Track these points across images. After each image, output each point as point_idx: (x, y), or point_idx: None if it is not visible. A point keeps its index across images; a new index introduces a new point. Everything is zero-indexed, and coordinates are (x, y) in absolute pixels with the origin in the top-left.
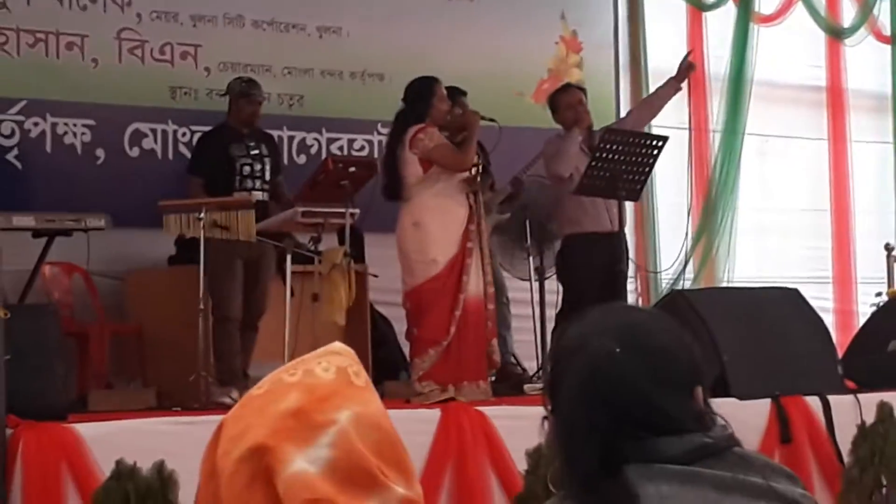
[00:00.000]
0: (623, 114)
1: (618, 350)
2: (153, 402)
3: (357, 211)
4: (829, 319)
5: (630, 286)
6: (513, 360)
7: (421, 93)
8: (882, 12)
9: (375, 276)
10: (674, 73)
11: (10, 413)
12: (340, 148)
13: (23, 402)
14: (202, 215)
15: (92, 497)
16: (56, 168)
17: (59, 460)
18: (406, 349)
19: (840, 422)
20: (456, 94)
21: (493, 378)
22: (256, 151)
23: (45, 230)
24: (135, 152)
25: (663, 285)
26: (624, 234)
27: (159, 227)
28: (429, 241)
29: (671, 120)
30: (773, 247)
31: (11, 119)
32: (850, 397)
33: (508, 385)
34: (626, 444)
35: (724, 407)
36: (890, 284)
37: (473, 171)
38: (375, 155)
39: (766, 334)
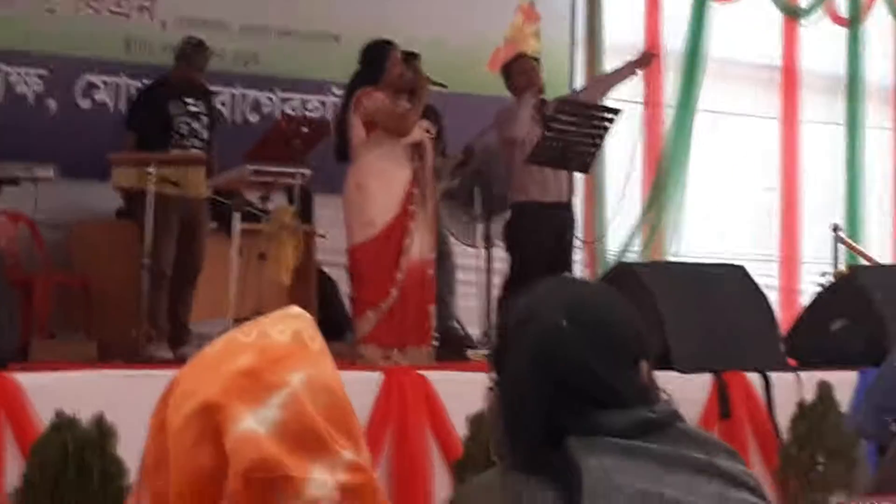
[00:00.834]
0: (577, 87)
1: (565, 323)
2: (95, 355)
3: (307, 171)
4: (773, 297)
5: (577, 257)
6: (456, 325)
7: (375, 56)
8: None
9: (323, 236)
10: (629, 49)
11: None
12: (294, 108)
13: None
14: (152, 170)
15: (30, 447)
16: (7, 117)
17: None
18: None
19: (780, 399)
20: (409, 57)
21: (437, 343)
22: (195, 109)
23: None
24: (86, 104)
25: (610, 258)
26: (573, 205)
27: (108, 180)
28: (368, 203)
29: (625, 93)
30: (720, 223)
31: None
32: (791, 375)
33: (451, 350)
34: (569, 416)
35: (666, 380)
36: (836, 265)
37: (419, 135)
38: (329, 116)
39: (711, 310)
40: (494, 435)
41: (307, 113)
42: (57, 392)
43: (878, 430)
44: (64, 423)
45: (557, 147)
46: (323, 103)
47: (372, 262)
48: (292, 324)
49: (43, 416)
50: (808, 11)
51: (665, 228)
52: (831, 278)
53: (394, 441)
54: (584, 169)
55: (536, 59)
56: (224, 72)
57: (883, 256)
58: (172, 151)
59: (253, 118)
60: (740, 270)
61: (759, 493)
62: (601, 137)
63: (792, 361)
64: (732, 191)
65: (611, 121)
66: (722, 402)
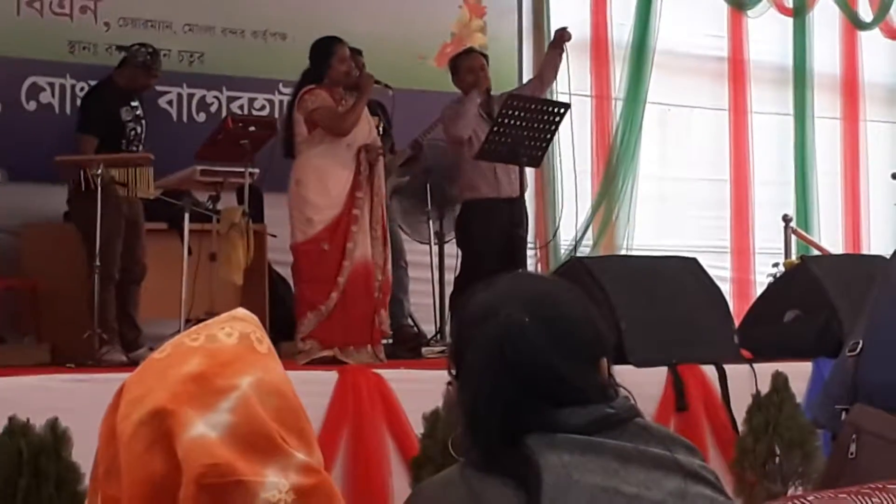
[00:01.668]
0: (525, 80)
1: (526, 320)
2: (47, 359)
3: (256, 170)
4: (726, 289)
5: (529, 252)
6: (410, 323)
7: (320, 53)
8: None
9: (274, 235)
10: (577, 41)
11: None
12: (241, 107)
13: None
14: (100, 171)
15: None
16: None
17: None
18: None
19: (735, 391)
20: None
21: (391, 341)
22: (140, 113)
23: None
24: (32, 106)
25: (563, 252)
26: (524, 200)
27: (55, 182)
28: (306, 201)
29: (573, 87)
30: (672, 216)
31: None
32: (745, 367)
33: (406, 348)
34: (529, 414)
35: (622, 374)
36: (787, 255)
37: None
38: (276, 115)
39: (664, 303)
40: (454, 431)
41: (254, 112)
42: (10, 397)
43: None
44: (18, 429)
45: (507, 143)
46: (270, 102)
47: (312, 262)
48: (239, 326)
49: None
50: (753, 2)
51: (617, 222)
52: (782, 268)
53: (350, 440)
54: (535, 164)
55: (485, 56)
56: (170, 71)
57: (834, 246)
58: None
59: (200, 118)
60: (693, 263)
61: (717, 487)
62: (551, 132)
63: (746, 353)
64: (683, 183)
65: (560, 115)
66: (678, 396)
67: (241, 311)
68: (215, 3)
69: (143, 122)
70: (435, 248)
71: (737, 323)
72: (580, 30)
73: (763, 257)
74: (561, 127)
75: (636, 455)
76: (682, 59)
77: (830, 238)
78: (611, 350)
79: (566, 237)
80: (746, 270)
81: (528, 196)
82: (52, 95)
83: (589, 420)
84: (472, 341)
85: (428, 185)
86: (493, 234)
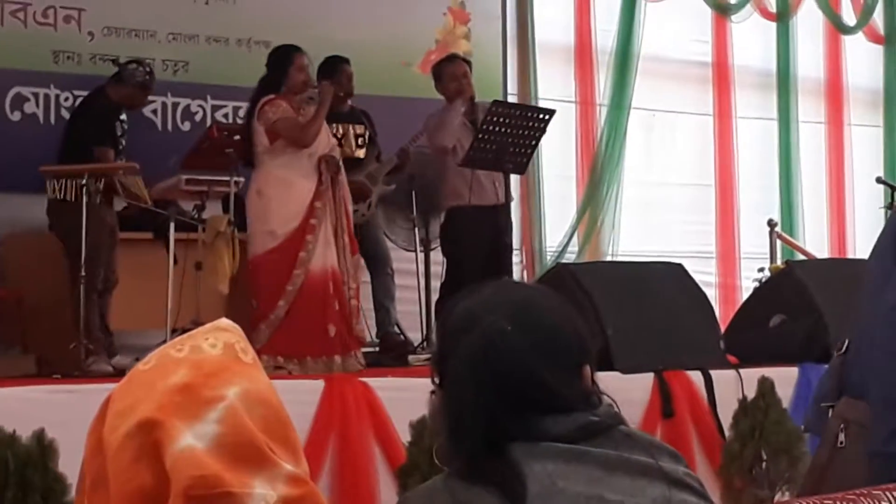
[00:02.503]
0: (510, 86)
1: (509, 328)
2: (33, 369)
3: (242, 179)
4: (712, 294)
5: (515, 259)
6: (396, 331)
7: (278, 61)
8: None
9: None
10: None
11: None
12: (225, 115)
13: None
14: (84, 181)
15: None
16: None
17: None
18: None
19: (722, 396)
20: (339, 62)
21: (377, 349)
22: (125, 127)
23: None
24: (16, 116)
25: (548, 258)
26: (509, 207)
27: (39, 192)
28: (268, 212)
29: (558, 93)
30: (657, 221)
31: None
32: (731, 372)
33: (392, 356)
34: (512, 422)
35: (608, 381)
36: (772, 260)
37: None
38: None
39: (650, 309)
40: (438, 440)
41: (239, 120)
42: None
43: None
44: (4, 440)
45: (492, 150)
46: None
47: (269, 273)
48: (223, 336)
49: None
50: (737, 7)
51: (602, 228)
52: (768, 273)
53: (336, 448)
54: (520, 170)
55: (468, 62)
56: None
57: (820, 250)
58: None
59: (185, 127)
60: (678, 268)
61: (701, 494)
62: (536, 139)
63: (732, 358)
64: (668, 188)
65: (545, 121)
66: (664, 402)
67: (224, 322)
68: (199, 11)
69: (125, 136)
70: (421, 256)
71: (723, 328)
72: (565, 36)
73: (748, 262)
74: (546, 134)
75: (620, 463)
76: (667, 65)
77: (816, 242)
78: (594, 357)
79: (551, 243)
80: (732, 275)
81: (513, 203)
82: (37, 105)
83: (572, 428)
84: (455, 350)
85: (413, 193)
86: (479, 240)
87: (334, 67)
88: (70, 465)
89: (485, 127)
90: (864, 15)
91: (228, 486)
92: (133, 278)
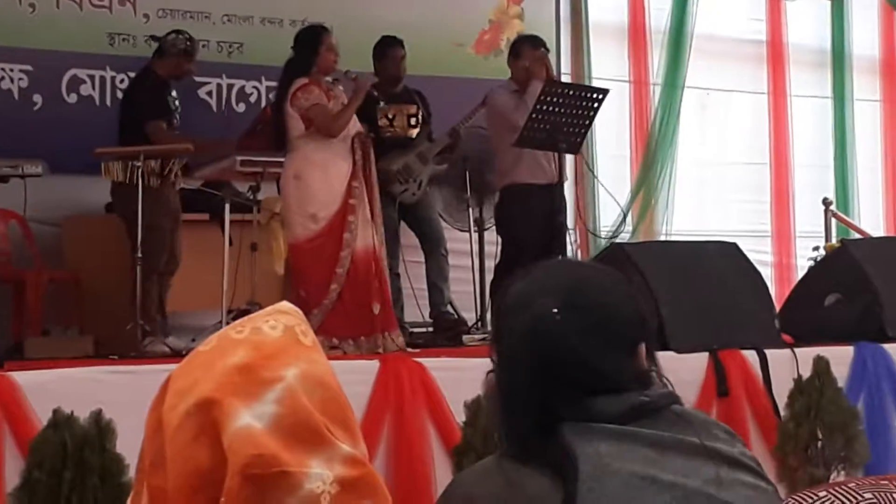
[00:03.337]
0: (564, 66)
1: (558, 310)
2: (90, 350)
3: None
4: (767, 273)
5: (569, 239)
6: (450, 310)
7: (308, 42)
8: None
9: None
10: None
11: None
12: None
13: None
14: (140, 163)
15: (29, 445)
16: None
17: None
18: None
19: (777, 376)
20: (389, 46)
21: (431, 329)
22: (178, 103)
23: None
24: (72, 98)
25: (602, 238)
26: (562, 187)
27: (96, 174)
28: (309, 196)
29: (611, 72)
30: (712, 200)
31: None
32: (786, 351)
33: (446, 336)
34: (563, 403)
35: (662, 360)
36: (827, 238)
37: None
38: None
39: (705, 288)
40: (493, 420)
41: None
42: (53, 389)
43: None
44: (62, 421)
45: (545, 129)
46: None
47: (315, 259)
48: (283, 319)
49: (41, 414)
50: None
51: (656, 208)
52: (823, 252)
53: (392, 429)
54: (574, 150)
55: (546, 48)
56: (209, 62)
57: (875, 229)
58: None
59: (239, 108)
60: (733, 247)
61: (758, 473)
62: (590, 118)
63: (787, 337)
64: (723, 167)
65: (599, 101)
66: (719, 381)
67: (285, 305)
68: None
69: (179, 110)
70: (475, 236)
71: (778, 307)
72: (618, 15)
73: (804, 241)
74: (600, 113)
75: (673, 443)
76: (721, 43)
77: (871, 221)
78: (652, 335)
79: (606, 223)
80: (787, 254)
81: (567, 182)
82: (93, 88)
83: (623, 409)
84: (508, 331)
85: (467, 173)
86: (533, 220)
87: (384, 52)
88: (127, 445)
89: (538, 107)
90: None
91: (285, 466)
92: (189, 259)
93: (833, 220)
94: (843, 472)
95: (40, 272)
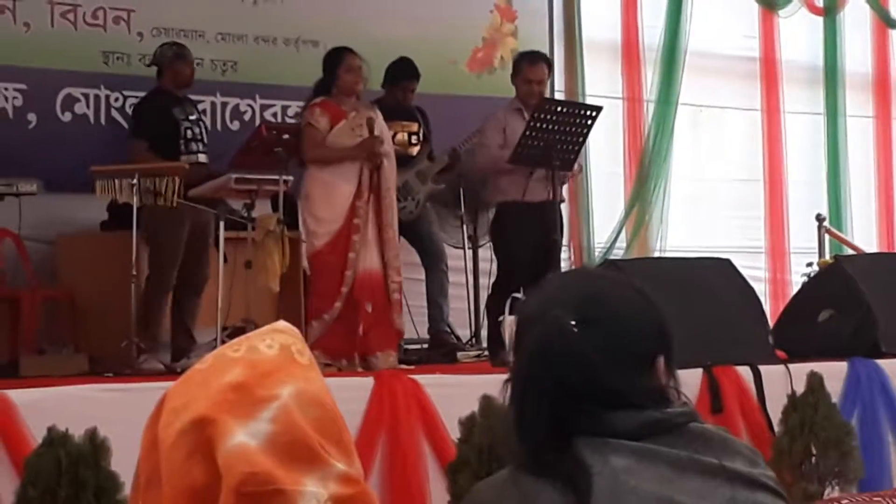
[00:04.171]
0: (557, 83)
1: (572, 323)
2: (85, 368)
3: (290, 178)
4: (761, 289)
5: (563, 255)
6: (448, 329)
7: (328, 63)
8: None
9: None
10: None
11: None
12: (274, 114)
13: None
14: (135, 181)
15: (24, 463)
16: None
17: None
18: None
19: (771, 392)
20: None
21: (426, 346)
22: (195, 116)
23: None
24: (67, 117)
25: (596, 255)
26: (558, 204)
27: (91, 192)
28: (312, 212)
29: (605, 90)
30: (705, 217)
31: None
32: (780, 367)
33: (442, 353)
34: (575, 417)
35: None
36: (821, 254)
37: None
38: None
39: (699, 304)
40: (491, 436)
41: (288, 119)
42: (49, 407)
43: None
44: (57, 439)
45: (539, 146)
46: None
47: (319, 272)
48: (280, 338)
49: (36, 432)
50: (784, 2)
51: (650, 224)
52: (816, 268)
53: (386, 446)
54: (568, 167)
55: (549, 63)
56: (203, 80)
57: (868, 245)
58: (183, 157)
59: (234, 126)
60: (726, 263)
61: (777, 493)
62: (583, 135)
63: (781, 353)
64: (716, 184)
65: (592, 118)
66: (713, 397)
67: (282, 324)
68: (248, 11)
69: (202, 123)
70: (469, 253)
71: (772, 323)
72: (612, 33)
73: (797, 257)
74: (593, 130)
75: (691, 463)
76: (714, 60)
77: (864, 237)
78: (671, 348)
79: (599, 240)
80: (782, 271)
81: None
82: (87, 106)
83: (637, 425)
84: (522, 343)
85: (461, 190)
86: (528, 237)
87: (399, 80)
88: (122, 463)
89: (532, 124)
90: None
91: (280, 484)
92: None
93: (826, 236)
94: (837, 488)
95: (35, 290)
